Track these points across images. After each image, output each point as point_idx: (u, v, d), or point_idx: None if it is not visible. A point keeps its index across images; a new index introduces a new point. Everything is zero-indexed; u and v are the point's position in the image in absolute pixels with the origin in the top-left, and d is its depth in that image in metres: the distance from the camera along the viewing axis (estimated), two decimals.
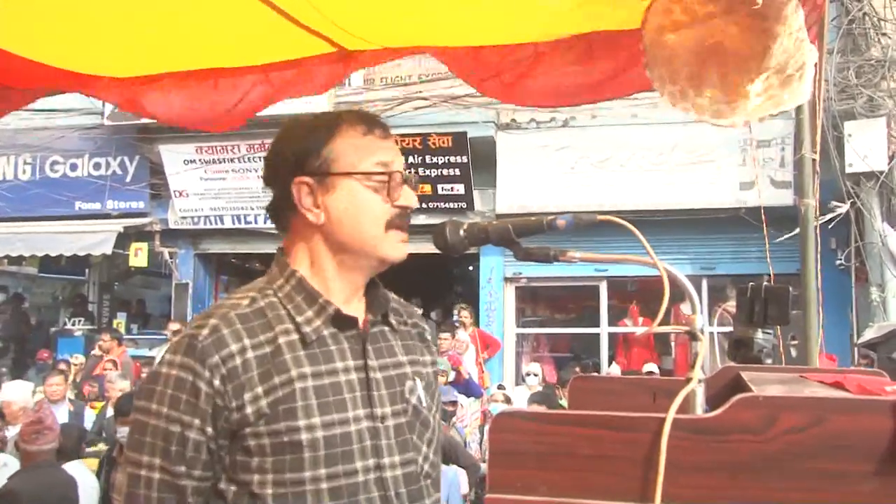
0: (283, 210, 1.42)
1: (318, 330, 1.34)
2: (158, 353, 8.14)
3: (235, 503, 1.29)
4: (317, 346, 1.34)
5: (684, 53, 1.67)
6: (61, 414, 6.67)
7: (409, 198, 1.41)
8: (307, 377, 1.30)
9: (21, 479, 4.02)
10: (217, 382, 1.25)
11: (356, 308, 1.42)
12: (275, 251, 1.47)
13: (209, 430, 1.26)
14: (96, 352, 9.52)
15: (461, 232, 1.42)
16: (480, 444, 7.04)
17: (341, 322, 1.37)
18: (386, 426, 1.36)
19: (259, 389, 1.27)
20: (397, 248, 1.40)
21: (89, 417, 7.11)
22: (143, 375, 8.79)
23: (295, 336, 1.33)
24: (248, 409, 1.26)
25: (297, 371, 1.30)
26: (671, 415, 1.06)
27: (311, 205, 1.37)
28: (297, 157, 1.38)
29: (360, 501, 1.30)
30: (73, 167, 11.37)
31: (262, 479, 1.26)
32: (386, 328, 1.46)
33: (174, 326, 9.45)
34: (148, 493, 1.26)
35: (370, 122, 1.43)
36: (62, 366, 8.99)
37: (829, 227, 7.62)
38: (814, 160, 3.23)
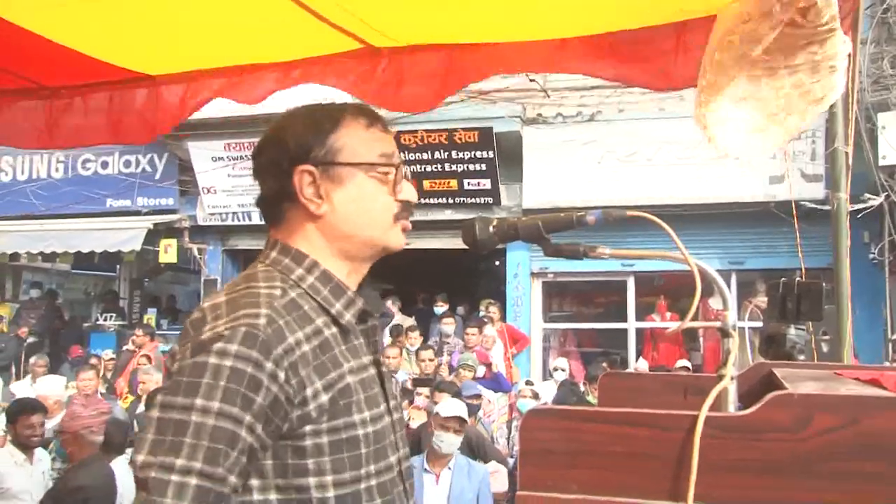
0: (279, 201, 1.36)
1: (349, 324, 1.32)
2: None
3: None
4: (351, 339, 1.32)
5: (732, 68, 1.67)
6: None
7: (410, 192, 1.39)
8: (354, 371, 1.28)
9: (86, 473, 4.06)
10: (282, 375, 1.17)
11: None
12: None
13: (258, 429, 1.15)
14: (129, 347, 9.65)
15: (490, 228, 1.42)
16: (508, 439, 7.04)
17: (362, 317, 1.36)
18: (395, 419, 1.38)
19: (319, 384, 1.21)
20: (400, 237, 1.39)
21: (120, 413, 7.20)
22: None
23: (335, 329, 1.29)
24: (311, 405, 1.20)
25: (347, 365, 1.27)
26: (704, 413, 1.05)
27: (313, 195, 1.33)
28: (299, 145, 1.33)
29: (394, 496, 1.30)
30: (104, 165, 11.56)
31: (321, 482, 1.20)
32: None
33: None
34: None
35: (372, 116, 1.40)
36: (93, 360, 9.12)
37: (862, 220, 7.50)
38: (846, 153, 3.18)
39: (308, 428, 1.20)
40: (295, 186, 1.32)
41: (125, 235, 10.94)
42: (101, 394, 7.48)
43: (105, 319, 12.27)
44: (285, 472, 1.20)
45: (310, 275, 1.32)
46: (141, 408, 6.63)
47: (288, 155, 1.33)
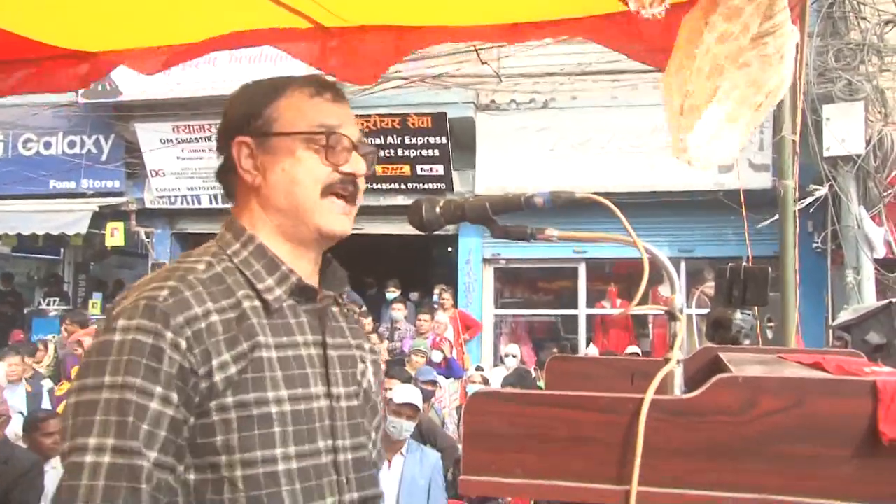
0: (226, 174, 1.35)
1: (279, 299, 1.26)
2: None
3: (199, 492, 1.15)
4: (278, 316, 1.26)
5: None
6: (18, 395, 6.62)
7: (356, 164, 1.33)
8: (272, 347, 1.22)
9: (28, 453, 4.14)
10: (183, 344, 1.13)
11: (310, 283, 1.35)
12: None
13: (174, 397, 1.12)
14: (62, 335, 9.34)
15: (437, 209, 1.39)
16: (458, 425, 7.05)
17: (301, 294, 1.30)
18: (340, 407, 1.30)
19: (227, 356, 1.17)
20: (337, 219, 1.32)
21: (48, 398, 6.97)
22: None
23: (258, 303, 1.24)
24: (217, 377, 1.15)
25: (264, 339, 1.22)
26: (649, 396, 1.04)
27: (250, 166, 1.31)
28: (239, 116, 1.33)
29: (322, 484, 1.24)
30: (48, 145, 11.21)
31: (230, 460, 1.15)
32: (335, 309, 1.39)
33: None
34: (91, 484, 1.07)
35: (320, 85, 1.34)
36: (40, 346, 8.85)
37: (807, 210, 7.66)
38: (794, 141, 3.23)
39: (214, 403, 1.16)
40: (234, 158, 1.32)
41: (70, 218, 10.64)
42: (27, 380, 7.15)
43: (48, 304, 11.94)
44: (197, 451, 1.16)
45: (244, 249, 1.29)
46: None
47: (232, 127, 1.33)
